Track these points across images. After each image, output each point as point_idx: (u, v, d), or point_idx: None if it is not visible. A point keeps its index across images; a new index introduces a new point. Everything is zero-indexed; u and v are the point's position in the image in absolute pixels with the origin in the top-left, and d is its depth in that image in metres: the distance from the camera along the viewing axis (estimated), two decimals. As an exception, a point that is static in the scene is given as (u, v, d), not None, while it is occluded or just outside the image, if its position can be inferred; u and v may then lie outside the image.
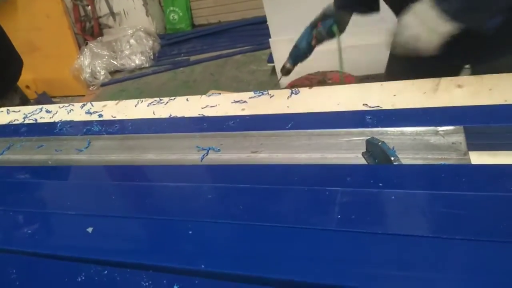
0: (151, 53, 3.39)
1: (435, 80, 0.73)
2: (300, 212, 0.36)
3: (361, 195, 0.37)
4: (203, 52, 3.31)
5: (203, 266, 0.33)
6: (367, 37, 2.10)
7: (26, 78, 3.06)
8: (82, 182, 0.50)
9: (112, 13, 3.64)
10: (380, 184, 0.39)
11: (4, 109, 1.11)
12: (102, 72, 3.24)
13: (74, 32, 3.38)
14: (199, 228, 0.37)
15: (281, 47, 2.57)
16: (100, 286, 0.34)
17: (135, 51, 3.34)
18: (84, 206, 0.44)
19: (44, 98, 2.90)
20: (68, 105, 1.01)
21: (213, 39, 3.47)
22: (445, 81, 0.71)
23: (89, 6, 3.61)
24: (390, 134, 0.54)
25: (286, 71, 1.07)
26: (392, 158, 0.44)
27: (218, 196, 0.41)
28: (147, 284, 0.33)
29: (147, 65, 3.31)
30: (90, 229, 0.40)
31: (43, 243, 0.40)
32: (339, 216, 0.34)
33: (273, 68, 2.70)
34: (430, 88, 0.70)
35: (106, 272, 0.35)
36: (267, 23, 2.54)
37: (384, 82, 0.77)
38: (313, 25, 1.01)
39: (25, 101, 1.50)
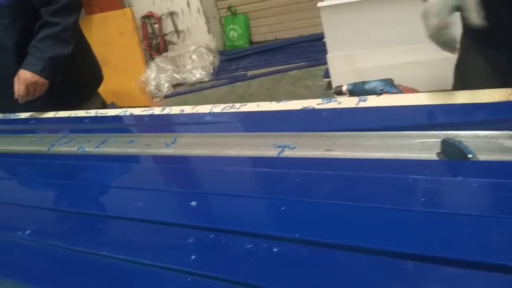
0: (211, 68, 3.56)
1: (507, 90, 0.73)
2: (384, 194, 0.40)
3: (443, 183, 0.40)
4: (260, 68, 3.43)
5: (297, 235, 0.38)
6: (427, 53, 2.09)
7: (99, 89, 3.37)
8: (180, 167, 0.57)
9: (177, 31, 3.90)
10: (459, 177, 0.42)
11: (92, 111, 1.25)
12: (166, 85, 3.45)
13: (142, 48, 3.66)
14: (290, 205, 0.42)
15: (337, 62, 2.62)
16: (207, 246, 0.40)
17: (196, 66, 3.53)
18: (186, 186, 0.51)
19: (113, 108, 3.15)
20: (149, 109, 1.12)
21: (270, 55, 3.59)
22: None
23: (157, 24, 3.90)
24: (464, 137, 0.56)
25: (339, 92, 1.06)
26: (470, 156, 0.47)
27: (304, 180, 0.46)
28: (249, 246, 0.38)
29: (207, 79, 3.49)
30: (194, 203, 0.47)
31: (155, 213, 0.47)
32: (423, 199, 0.38)
33: (329, 83, 2.73)
34: (501, 98, 0.70)
35: (212, 236, 0.41)
36: (324, 39, 2.59)
37: (454, 92, 0.78)
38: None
39: (104, 106, 1.67)
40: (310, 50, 3.36)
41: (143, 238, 0.43)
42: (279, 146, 0.68)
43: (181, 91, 3.48)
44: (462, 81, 1.04)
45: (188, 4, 3.84)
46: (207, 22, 3.86)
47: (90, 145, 0.88)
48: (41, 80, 1.22)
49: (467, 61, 0.98)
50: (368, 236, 0.35)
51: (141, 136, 0.85)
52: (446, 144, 0.52)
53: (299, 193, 0.44)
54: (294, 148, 0.67)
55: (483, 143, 0.55)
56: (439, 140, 0.56)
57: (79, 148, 0.87)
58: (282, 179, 0.48)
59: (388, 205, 0.38)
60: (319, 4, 2.42)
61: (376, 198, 0.40)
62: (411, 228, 0.35)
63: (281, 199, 0.43)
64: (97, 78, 1.59)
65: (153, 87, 3.45)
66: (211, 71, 3.55)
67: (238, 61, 3.69)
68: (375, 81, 1.18)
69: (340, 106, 0.83)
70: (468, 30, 0.86)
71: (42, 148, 0.86)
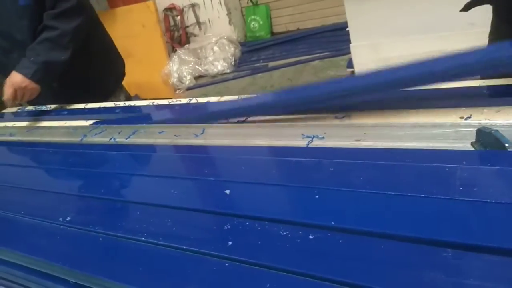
0: (233, 60, 3.57)
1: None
2: (419, 183, 0.40)
3: (480, 172, 0.39)
4: (282, 59, 3.41)
5: (332, 223, 0.38)
6: (455, 41, 2.02)
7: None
8: (211, 156, 0.58)
9: (199, 23, 3.92)
10: (497, 166, 0.41)
11: (120, 102, 1.28)
12: (188, 77, 3.49)
13: (164, 40, 3.70)
14: (324, 194, 0.43)
15: (361, 52, 2.57)
16: (243, 232, 0.41)
17: (218, 58, 3.54)
18: (219, 174, 0.52)
19: (136, 100, 3.21)
20: (176, 100, 1.14)
21: (292, 46, 3.56)
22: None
23: (178, 17, 3.92)
24: (500, 126, 0.55)
25: None
26: (507, 145, 0.46)
27: (337, 169, 0.46)
28: (285, 233, 0.39)
29: (228, 70, 3.50)
30: (228, 191, 0.48)
31: (191, 201, 0.48)
32: (461, 188, 0.38)
33: (352, 73, 2.69)
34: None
35: (247, 223, 0.42)
36: (348, 28, 2.55)
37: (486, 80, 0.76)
38: None
39: (128, 99, 1.70)
40: (333, 39, 3.31)
41: (180, 225, 0.44)
42: (307, 136, 0.69)
43: (203, 83, 3.51)
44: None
45: (209, -4, 3.85)
46: (229, 14, 3.86)
47: (121, 136, 0.90)
48: (30, 84, 1.18)
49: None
50: (404, 224, 0.36)
51: (170, 127, 0.87)
52: (482, 134, 0.51)
53: (332, 182, 0.44)
54: (323, 138, 0.67)
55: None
56: (473, 129, 0.55)
57: (111, 138, 0.89)
58: (315, 168, 0.48)
59: (424, 194, 0.38)
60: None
61: (411, 187, 0.40)
62: (449, 216, 0.35)
63: (315, 188, 0.44)
64: (119, 73, 1.60)
65: (175, 79, 3.49)
66: (233, 63, 3.55)
67: (260, 52, 3.68)
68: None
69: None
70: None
71: (75, 139, 0.89)
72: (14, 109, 1.45)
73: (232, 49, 3.61)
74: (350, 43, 2.57)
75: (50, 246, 0.49)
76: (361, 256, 0.34)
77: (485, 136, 0.50)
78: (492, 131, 0.49)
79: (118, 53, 1.63)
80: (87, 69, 1.44)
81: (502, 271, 0.31)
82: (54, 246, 0.49)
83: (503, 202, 0.35)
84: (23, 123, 1.27)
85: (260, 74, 3.27)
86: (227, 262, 0.37)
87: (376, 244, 0.35)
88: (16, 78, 1.18)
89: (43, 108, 1.36)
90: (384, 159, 0.47)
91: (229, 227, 0.42)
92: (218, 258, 0.38)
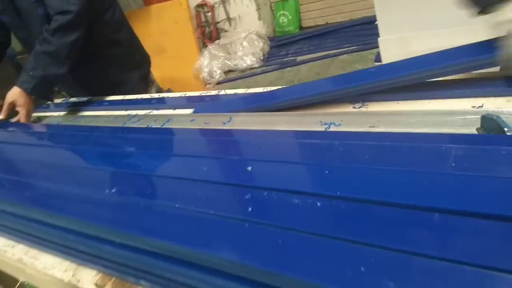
0: (261, 54, 3.63)
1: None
2: (419, 160, 0.45)
3: (474, 151, 0.44)
4: (310, 53, 3.44)
5: (338, 193, 0.44)
6: (486, 34, 1.99)
7: (155, 75, 3.57)
8: (236, 139, 0.65)
9: (229, 18, 4.00)
10: (491, 146, 0.46)
11: (155, 94, 1.38)
12: (218, 72, 3.58)
13: (195, 36, 3.81)
14: (333, 170, 0.49)
15: (390, 45, 2.56)
16: (262, 201, 0.47)
17: (247, 53, 3.62)
18: (242, 154, 0.59)
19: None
20: (206, 92, 1.22)
21: (320, 40, 3.58)
22: None
23: (209, 13, 4.02)
24: (506, 113, 0.59)
25: None
26: (506, 129, 0.50)
27: (347, 149, 0.52)
28: (297, 201, 0.45)
29: (257, 65, 3.57)
30: (249, 168, 0.54)
31: (217, 176, 0.55)
32: (453, 164, 0.42)
33: (381, 67, 2.68)
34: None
35: (265, 193, 0.48)
36: (376, 22, 2.54)
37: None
38: None
39: (160, 93, 1.80)
40: (361, 33, 3.30)
41: (208, 194, 0.51)
42: (325, 123, 0.74)
43: (233, 77, 3.60)
44: None
45: (239, -8, 3.92)
46: (258, 9, 3.92)
47: (156, 124, 0.99)
48: (28, 98, 1.23)
49: None
50: (400, 193, 0.41)
51: (201, 115, 0.95)
52: (485, 119, 0.55)
53: (341, 159, 0.50)
54: (339, 125, 0.73)
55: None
56: (480, 116, 0.59)
57: (148, 125, 0.98)
58: (327, 149, 0.54)
59: (419, 168, 0.43)
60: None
61: (412, 163, 0.45)
62: (437, 186, 0.40)
63: (325, 165, 0.50)
64: (144, 73, 1.66)
65: (206, 74, 3.59)
66: (261, 57, 3.62)
67: (288, 47, 3.72)
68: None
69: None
70: None
71: (117, 125, 0.99)
72: (59, 100, 1.59)
73: (261, 44, 3.67)
74: (379, 36, 2.57)
75: (99, 212, 0.58)
76: (361, 218, 0.40)
77: (488, 122, 0.54)
78: (494, 117, 0.53)
79: (144, 52, 1.69)
80: (108, 71, 1.53)
81: (487, 233, 0.36)
82: (102, 212, 0.58)
83: (489, 176, 0.40)
84: (65, 112, 1.40)
85: (288, 69, 3.31)
86: (247, 223, 0.44)
87: (374, 209, 0.41)
88: (15, 92, 1.23)
89: (84, 99, 1.48)
90: (392, 141, 0.52)
91: (249, 196, 0.49)
92: (239, 221, 0.45)
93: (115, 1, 1.54)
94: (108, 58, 1.54)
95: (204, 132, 0.77)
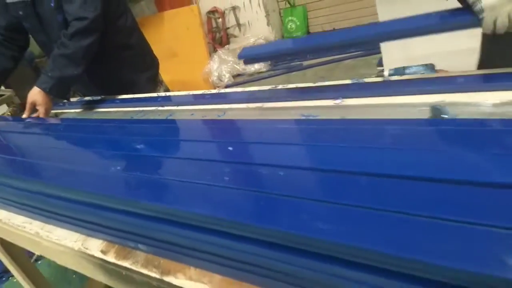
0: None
1: None
2: (367, 138, 0.55)
3: (411, 131, 0.53)
4: (316, 58, 3.54)
5: (303, 164, 0.54)
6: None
7: (165, 79, 3.71)
8: (223, 126, 0.76)
9: (239, 24, 4.14)
10: (424, 127, 0.55)
11: (162, 93, 1.49)
12: (227, 76, 3.71)
13: (206, 41, 3.95)
14: (303, 147, 0.58)
15: (391, 50, 2.64)
16: (238, 172, 0.57)
17: (255, 57, 3.73)
18: (226, 138, 0.69)
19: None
20: (207, 91, 1.33)
21: (326, 46, 3.66)
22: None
23: (220, 19, 4.16)
24: (453, 104, 0.67)
25: (381, 77, 1.03)
26: (443, 115, 0.59)
27: (317, 130, 0.62)
28: (266, 172, 0.55)
29: (265, 69, 3.68)
30: (231, 148, 0.64)
31: (204, 154, 0.65)
32: (392, 140, 0.52)
33: (381, 72, 2.77)
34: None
35: (243, 167, 0.58)
36: (380, 28, 2.63)
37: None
38: None
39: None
40: (367, 39, 3.38)
41: (194, 169, 0.61)
42: (304, 115, 0.84)
43: (241, 81, 3.71)
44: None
45: (249, -1, 4.06)
46: (267, 15, 4.04)
47: (160, 117, 1.10)
48: (47, 97, 1.35)
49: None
50: (343, 163, 0.51)
51: (199, 110, 1.06)
52: (433, 109, 0.64)
53: (308, 139, 0.60)
54: (317, 116, 0.83)
55: (461, 107, 0.66)
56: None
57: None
58: (300, 132, 0.64)
59: (365, 144, 0.53)
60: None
61: (361, 141, 0.55)
62: (376, 157, 0.49)
63: (298, 144, 0.60)
64: (153, 75, 1.78)
65: (215, 78, 3.72)
66: (269, 62, 3.73)
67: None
68: (415, 66, 1.27)
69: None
70: None
71: (126, 118, 1.11)
72: (74, 99, 1.72)
73: (269, 49, 3.78)
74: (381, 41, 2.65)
75: (106, 185, 0.69)
76: (321, 183, 0.50)
77: (434, 110, 0.63)
78: (438, 106, 0.62)
79: (153, 56, 1.81)
80: (120, 73, 1.65)
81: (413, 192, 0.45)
82: (108, 185, 0.68)
83: (418, 148, 0.50)
84: (80, 110, 1.53)
85: (294, 73, 3.42)
86: (225, 190, 0.54)
87: (325, 176, 0.50)
88: (35, 91, 1.35)
89: (97, 98, 1.60)
90: (354, 124, 0.62)
91: (229, 169, 0.59)
92: (217, 187, 0.55)
93: (128, 8, 1.67)
94: (121, 61, 1.66)
95: (201, 122, 0.88)
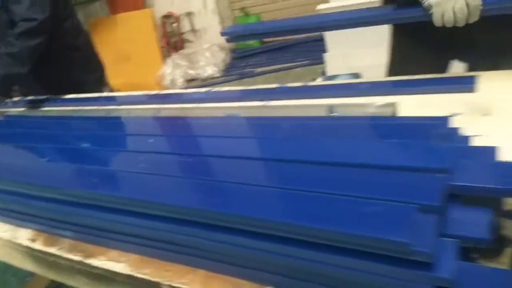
0: (223, 65, 3.83)
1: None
2: (266, 131, 0.64)
3: (303, 124, 0.63)
4: (268, 65, 3.67)
5: (223, 153, 0.62)
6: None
7: (118, 82, 3.68)
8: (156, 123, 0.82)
9: (193, 30, 4.18)
10: (314, 121, 0.65)
11: (105, 93, 1.52)
12: (180, 80, 3.74)
13: (160, 45, 3.97)
14: (231, 139, 0.66)
15: (334, 61, 2.83)
16: (152, 160, 0.64)
17: (209, 63, 3.80)
18: (148, 132, 0.75)
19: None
20: (147, 92, 1.38)
21: (278, 54, 3.82)
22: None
23: (175, 24, 4.19)
24: (346, 106, 0.78)
25: None
26: (332, 114, 0.70)
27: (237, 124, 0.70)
28: (182, 160, 0.62)
29: (218, 75, 3.75)
30: (151, 140, 0.71)
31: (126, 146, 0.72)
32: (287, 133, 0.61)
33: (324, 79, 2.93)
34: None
35: (158, 157, 0.65)
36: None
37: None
38: None
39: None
40: (314, 49, 3.55)
41: (117, 158, 0.67)
42: (230, 115, 0.93)
43: (194, 85, 3.76)
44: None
45: (204, 6, 4.12)
46: (221, 22, 4.13)
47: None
48: None
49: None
50: (248, 151, 0.59)
51: (139, 109, 1.11)
52: (328, 107, 0.74)
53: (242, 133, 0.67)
54: (239, 115, 0.91)
55: (352, 108, 0.76)
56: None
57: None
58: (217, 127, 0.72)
59: (271, 136, 0.62)
60: (318, 7, 2.63)
61: (265, 133, 0.64)
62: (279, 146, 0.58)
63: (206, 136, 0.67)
64: (98, 77, 1.80)
65: (168, 82, 3.74)
66: (223, 68, 3.81)
67: (248, 59, 3.94)
68: (343, 74, 1.40)
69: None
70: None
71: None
72: (17, 99, 1.69)
73: (223, 55, 3.87)
74: (325, 52, 2.82)
75: (36, 175, 0.72)
76: (235, 169, 0.57)
77: (329, 110, 0.74)
78: (332, 106, 0.72)
79: (98, 57, 1.84)
80: (67, 74, 1.65)
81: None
82: (38, 175, 0.72)
83: (310, 139, 0.59)
84: (24, 109, 1.52)
85: (246, 79, 3.52)
86: (139, 175, 0.60)
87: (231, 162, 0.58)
88: None
89: (42, 97, 1.60)
90: (267, 120, 0.71)
91: (143, 158, 0.65)
92: (132, 173, 0.61)
93: (73, 10, 1.68)
94: (68, 62, 1.67)
95: (133, 118, 0.94)
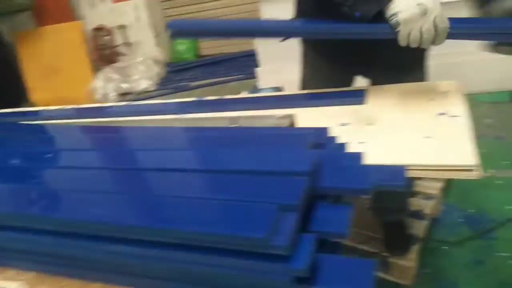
0: (157, 79, 3.79)
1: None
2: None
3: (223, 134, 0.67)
4: (203, 79, 3.70)
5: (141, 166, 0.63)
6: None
7: (46, 96, 3.50)
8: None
9: (127, 43, 4.10)
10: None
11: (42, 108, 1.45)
12: (113, 94, 3.64)
13: (92, 58, 3.84)
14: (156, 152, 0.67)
15: (265, 75, 2.94)
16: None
17: (143, 76, 3.75)
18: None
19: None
20: (71, 106, 1.35)
21: (213, 68, 3.87)
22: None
23: (108, 36, 4.08)
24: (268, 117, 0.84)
25: None
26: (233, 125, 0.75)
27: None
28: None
29: (152, 89, 3.71)
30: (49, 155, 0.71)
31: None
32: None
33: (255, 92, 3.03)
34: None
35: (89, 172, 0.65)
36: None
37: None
38: None
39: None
40: (248, 64, 3.65)
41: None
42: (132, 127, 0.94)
43: (127, 99, 3.67)
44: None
45: (137, 19, 4.07)
46: (156, 36, 4.10)
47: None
48: None
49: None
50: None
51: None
52: (231, 119, 0.79)
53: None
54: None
55: (257, 119, 0.82)
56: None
57: None
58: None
59: (167, 146, 0.64)
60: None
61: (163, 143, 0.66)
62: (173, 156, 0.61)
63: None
64: (19, 96, 1.77)
65: (100, 96, 3.62)
66: (157, 81, 3.77)
67: (184, 73, 3.94)
68: (267, 88, 1.48)
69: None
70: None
71: None
72: None
73: (157, 69, 3.84)
74: (258, 67, 2.93)
75: None
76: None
77: (231, 121, 0.79)
78: (234, 118, 0.77)
79: (20, 79, 1.83)
80: None
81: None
82: None
83: (199, 149, 0.63)
84: None
85: (181, 93, 3.51)
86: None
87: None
88: None
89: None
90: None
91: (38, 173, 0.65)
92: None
93: None
94: None
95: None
